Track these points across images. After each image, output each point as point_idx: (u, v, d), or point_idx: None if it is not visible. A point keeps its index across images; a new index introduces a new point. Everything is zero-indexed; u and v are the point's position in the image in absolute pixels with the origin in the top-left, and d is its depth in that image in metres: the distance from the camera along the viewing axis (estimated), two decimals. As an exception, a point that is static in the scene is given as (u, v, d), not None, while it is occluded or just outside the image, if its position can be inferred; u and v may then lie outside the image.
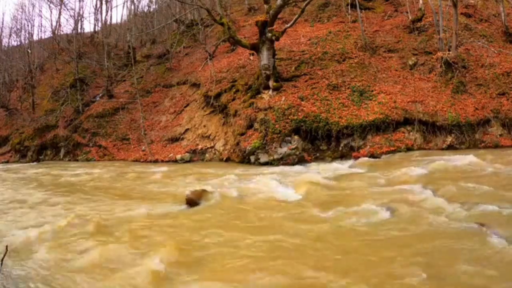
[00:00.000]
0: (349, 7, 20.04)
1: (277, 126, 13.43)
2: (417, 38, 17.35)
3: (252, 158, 13.48)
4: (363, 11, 19.20)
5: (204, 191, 7.82)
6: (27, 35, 36.99)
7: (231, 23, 18.23)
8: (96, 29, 35.40)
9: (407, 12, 18.70)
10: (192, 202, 7.36)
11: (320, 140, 13.54)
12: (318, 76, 15.44)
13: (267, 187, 8.70)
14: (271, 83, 14.92)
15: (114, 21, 40.96)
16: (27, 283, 4.22)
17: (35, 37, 38.07)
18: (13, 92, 30.50)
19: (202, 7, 17.72)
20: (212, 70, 17.85)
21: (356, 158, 12.57)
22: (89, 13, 78.25)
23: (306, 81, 15.32)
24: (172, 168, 14.24)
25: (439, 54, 14.88)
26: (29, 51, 30.55)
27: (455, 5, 14.77)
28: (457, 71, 14.50)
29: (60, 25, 36.99)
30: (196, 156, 16.61)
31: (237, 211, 6.75)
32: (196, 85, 20.25)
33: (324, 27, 19.52)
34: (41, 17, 66.33)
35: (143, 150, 18.79)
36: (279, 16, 16.86)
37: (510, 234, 4.59)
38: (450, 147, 12.85)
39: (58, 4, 35.12)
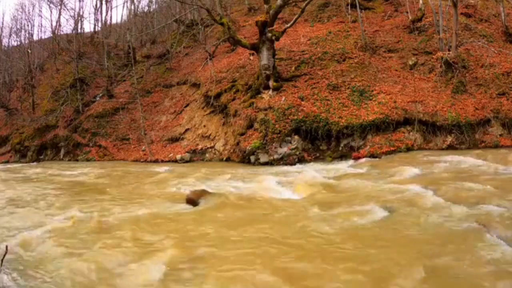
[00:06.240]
0: (349, 7, 20.04)
1: (277, 126, 13.43)
2: (417, 38, 17.35)
3: (252, 158, 13.47)
4: (363, 11, 19.20)
5: (204, 191, 7.82)
6: (27, 35, 37.08)
7: (231, 23, 18.23)
8: (96, 29, 35.40)
9: (407, 12, 18.70)
10: (192, 202, 7.36)
11: (320, 140, 13.54)
12: (318, 76, 15.44)
13: (267, 187, 8.70)
14: (271, 83, 14.92)
15: (114, 21, 40.93)
16: (27, 282, 4.22)
17: (35, 37, 38.15)
18: (13, 92, 30.51)
19: (202, 7, 17.72)
20: (212, 70, 17.85)
21: (356, 158, 12.57)
22: (89, 13, 78.16)
23: (306, 81, 15.32)
24: (172, 168, 14.23)
25: (439, 54, 14.87)
26: (29, 51, 30.55)
27: (455, 5, 14.77)
28: (457, 71, 14.50)
29: (60, 25, 37.02)
30: (196, 156, 16.61)
31: (237, 211, 6.74)
32: (196, 85, 20.25)
33: (324, 27, 19.52)
34: (41, 17, 66.55)
35: (143, 150, 18.79)
36: (279, 16, 16.86)
37: (510, 234, 4.59)
38: (450, 147, 12.85)
39: (58, 4, 35.14)
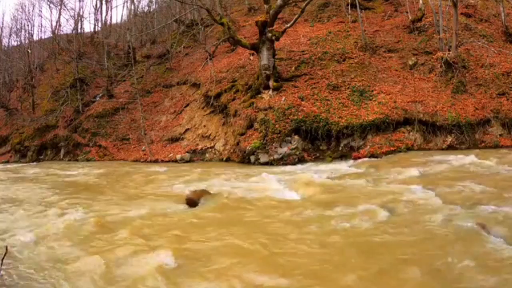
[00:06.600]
0: (349, 7, 20.03)
1: (277, 126, 13.42)
2: (417, 38, 17.34)
3: (252, 158, 13.47)
4: (363, 11, 19.19)
5: (203, 191, 7.82)
6: (27, 35, 37.04)
7: (231, 23, 18.23)
8: (96, 29, 35.36)
9: (407, 12, 18.69)
10: (192, 202, 7.36)
11: (320, 140, 13.54)
12: (318, 76, 15.43)
13: (266, 187, 8.71)
14: (271, 83, 14.91)
15: (114, 21, 40.88)
16: (28, 282, 4.21)
17: (35, 37, 38.11)
18: (13, 92, 30.50)
19: (202, 7, 17.72)
20: (212, 70, 17.84)
21: (356, 158, 12.57)
22: (89, 13, 77.99)
23: (306, 81, 15.32)
24: (172, 168, 14.23)
25: (439, 54, 14.87)
26: (29, 51, 30.54)
27: (455, 5, 14.76)
28: (457, 71, 14.49)
29: (60, 25, 36.93)
30: (196, 156, 16.61)
31: (236, 211, 6.74)
32: (196, 85, 20.24)
33: (324, 27, 19.51)
34: (41, 17, 66.45)
35: (143, 150, 18.79)
36: (279, 16, 16.86)
37: (510, 234, 4.59)
38: (450, 147, 12.85)
39: (58, 4, 35.09)
